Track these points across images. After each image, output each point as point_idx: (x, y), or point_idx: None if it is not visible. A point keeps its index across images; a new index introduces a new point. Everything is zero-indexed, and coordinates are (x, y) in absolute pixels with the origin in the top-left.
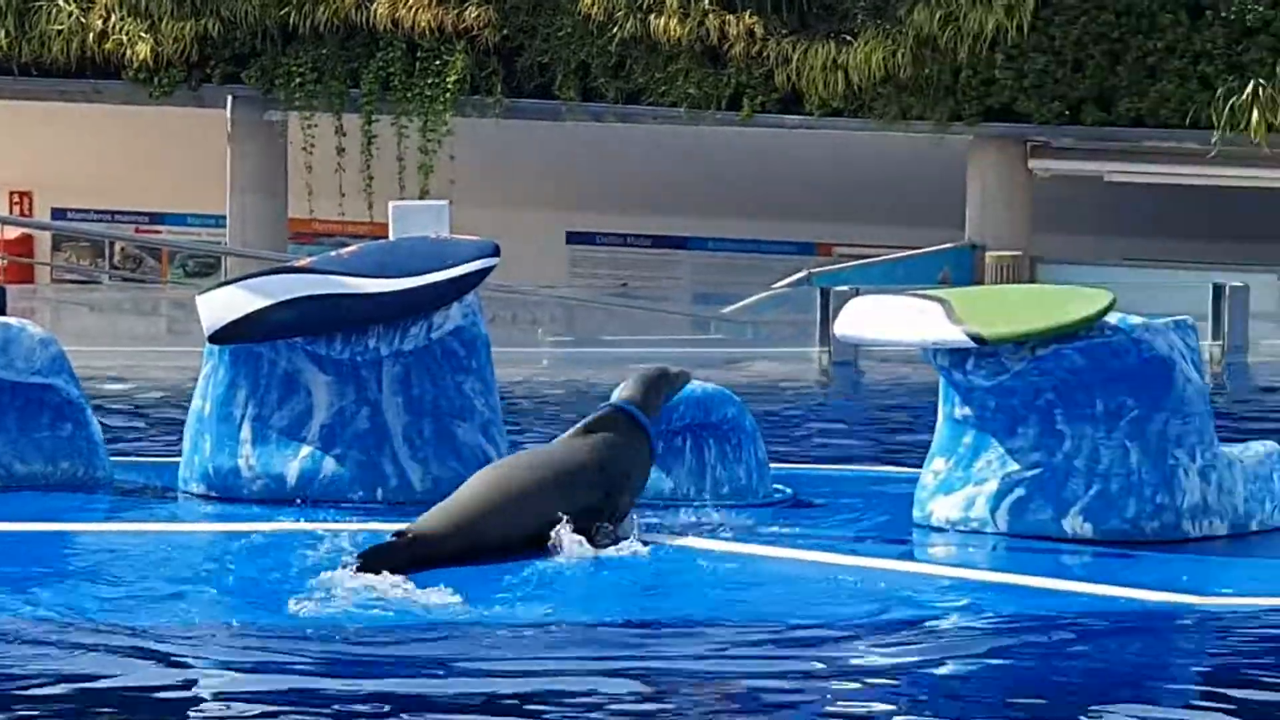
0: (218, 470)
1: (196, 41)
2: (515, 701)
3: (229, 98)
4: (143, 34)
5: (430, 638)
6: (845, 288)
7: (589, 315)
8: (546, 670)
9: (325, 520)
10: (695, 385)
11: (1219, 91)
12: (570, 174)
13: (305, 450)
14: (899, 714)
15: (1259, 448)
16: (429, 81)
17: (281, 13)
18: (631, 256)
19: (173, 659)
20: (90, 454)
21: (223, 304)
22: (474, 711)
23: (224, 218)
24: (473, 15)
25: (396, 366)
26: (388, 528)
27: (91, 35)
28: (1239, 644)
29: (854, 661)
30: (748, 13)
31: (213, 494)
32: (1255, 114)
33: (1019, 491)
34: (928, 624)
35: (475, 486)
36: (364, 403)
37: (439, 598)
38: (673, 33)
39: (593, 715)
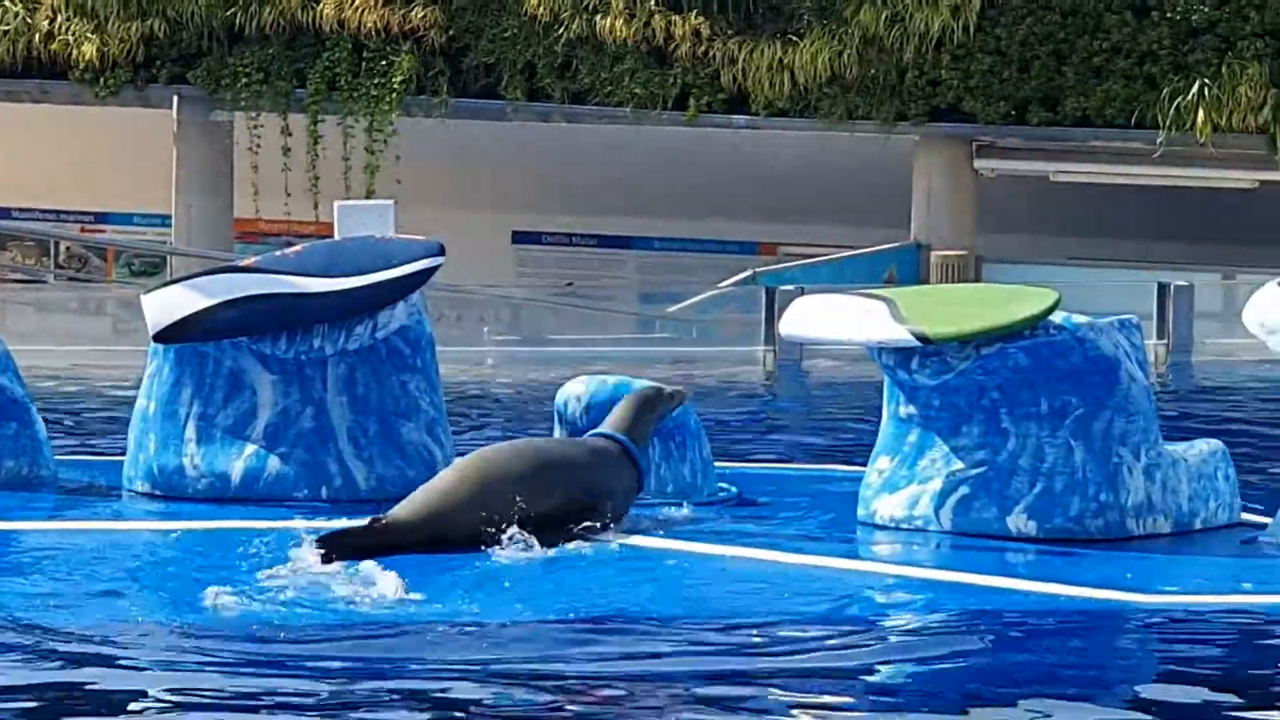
0: (162, 469)
1: (143, 42)
2: (457, 700)
3: (175, 98)
4: (89, 34)
5: (372, 635)
6: (790, 287)
7: (534, 315)
8: (488, 671)
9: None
10: (639, 384)
11: (1164, 91)
12: (516, 174)
13: (250, 449)
14: (841, 712)
15: (1203, 446)
16: (375, 82)
17: (227, 13)
18: (577, 256)
19: (111, 659)
20: (35, 453)
21: (168, 303)
22: (414, 711)
23: (170, 217)
24: (419, 16)
25: (341, 366)
26: (330, 525)
27: (38, 35)
28: (1183, 642)
29: (795, 660)
30: (694, 13)
31: (157, 493)
32: (1200, 114)
33: (963, 490)
34: (871, 622)
35: (448, 476)
36: (309, 402)
37: (384, 591)
38: (619, 33)
39: (534, 716)
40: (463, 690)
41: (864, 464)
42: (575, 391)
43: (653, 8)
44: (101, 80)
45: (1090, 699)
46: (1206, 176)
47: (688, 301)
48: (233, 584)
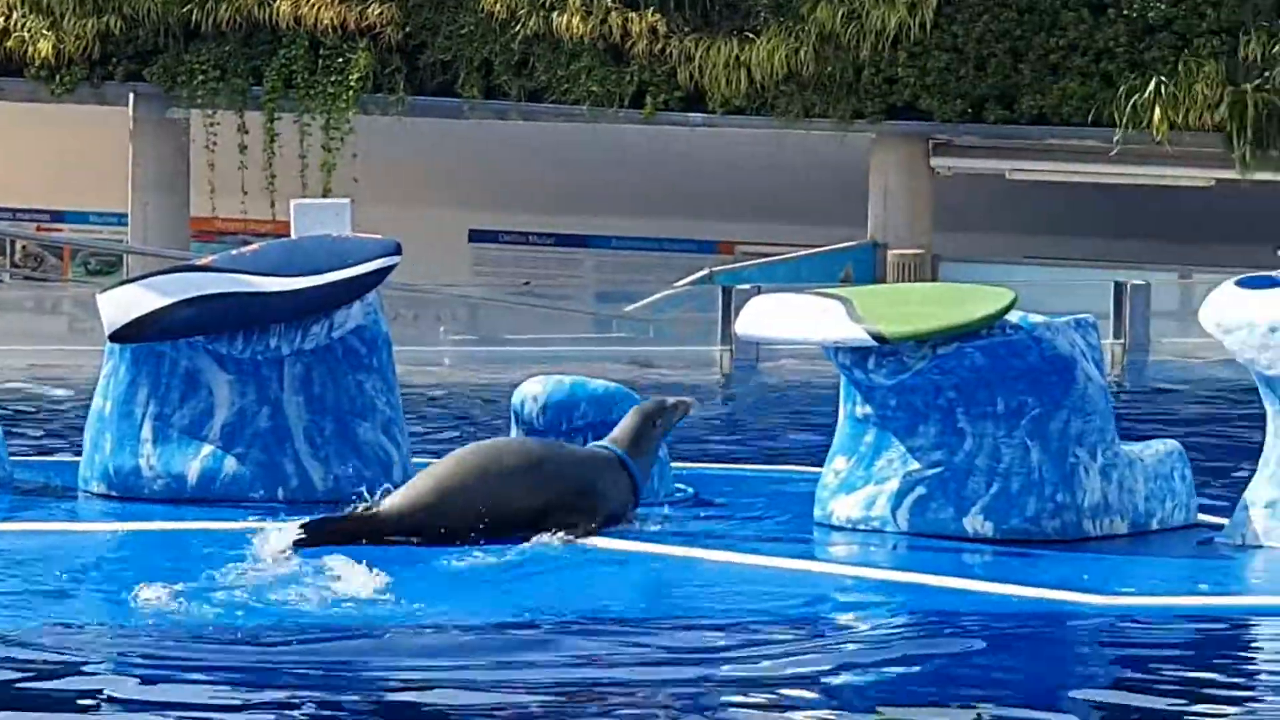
0: (118, 470)
1: (99, 39)
2: (414, 705)
3: (131, 95)
4: (45, 31)
5: (327, 638)
6: (747, 286)
7: (491, 314)
8: (444, 676)
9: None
10: (596, 384)
11: (1121, 89)
12: (473, 172)
13: (206, 449)
14: (795, 712)
15: (1160, 446)
16: (332, 79)
17: (184, 10)
18: (534, 255)
19: (57, 662)
20: None
21: (124, 302)
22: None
23: (126, 216)
24: (375, 13)
25: (297, 365)
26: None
27: None
28: (1139, 643)
29: (749, 662)
30: (650, 10)
31: (113, 493)
32: (1157, 112)
33: (920, 490)
34: (827, 624)
35: (440, 468)
36: (265, 401)
37: (352, 590)
38: (575, 30)
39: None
40: (419, 695)
41: (821, 465)
42: (532, 391)
43: (609, 5)
44: (57, 78)
45: (1045, 702)
46: (1163, 175)
47: (644, 301)
48: (185, 584)
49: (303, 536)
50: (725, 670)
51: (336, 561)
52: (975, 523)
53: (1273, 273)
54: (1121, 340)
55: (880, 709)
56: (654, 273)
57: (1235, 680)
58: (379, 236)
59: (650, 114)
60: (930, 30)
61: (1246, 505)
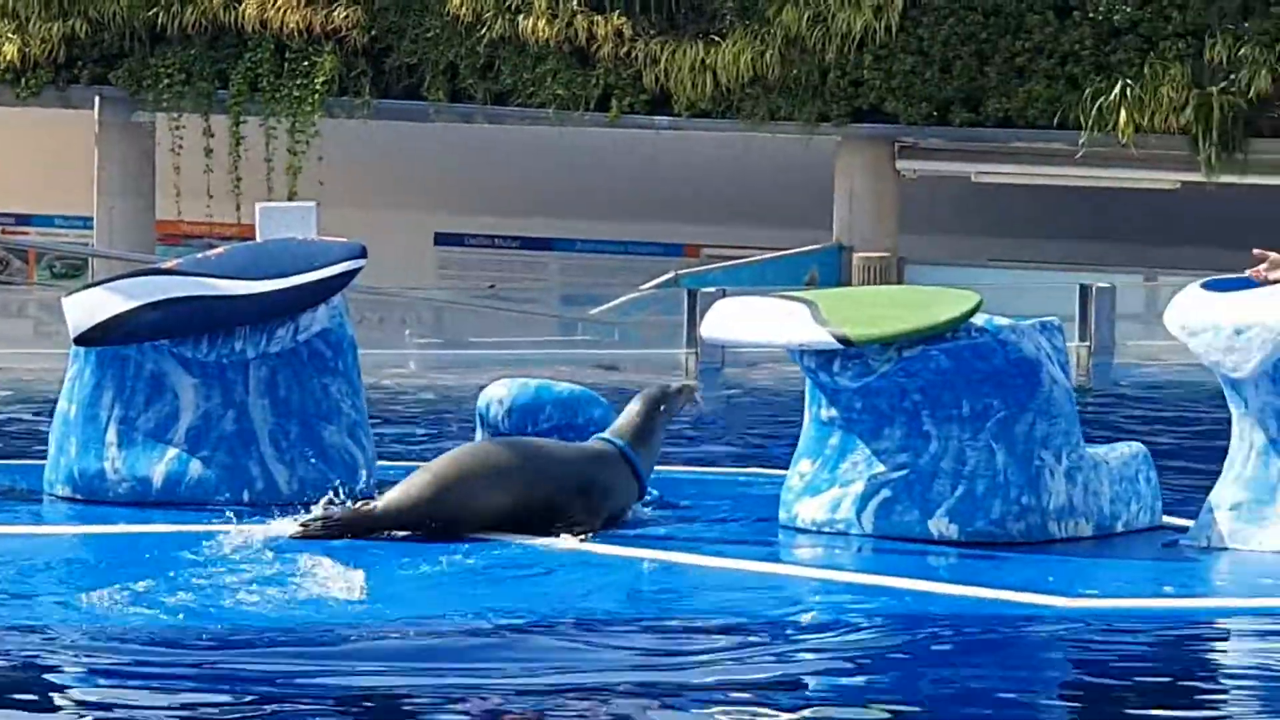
0: (83, 473)
1: (64, 42)
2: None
3: (97, 99)
4: (10, 35)
5: (289, 642)
6: (712, 289)
7: (457, 317)
8: (402, 682)
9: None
10: (561, 387)
11: (1087, 92)
12: (438, 175)
13: (171, 452)
14: (760, 715)
15: (1125, 449)
16: (297, 82)
17: (149, 13)
18: (499, 258)
19: (27, 663)
20: None
21: (89, 306)
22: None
23: (92, 219)
24: (341, 16)
25: (263, 369)
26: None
27: None
28: (1104, 645)
29: (715, 664)
30: (616, 13)
31: (78, 496)
32: (1123, 114)
33: (885, 493)
34: (791, 626)
35: (440, 463)
36: (230, 405)
37: (332, 591)
38: (541, 33)
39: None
40: (382, 699)
41: (785, 467)
42: (497, 394)
43: (574, 8)
44: (23, 81)
45: (1010, 704)
46: (1129, 178)
47: (610, 304)
48: (148, 587)
49: (301, 531)
50: (690, 674)
51: (309, 561)
52: (940, 525)
53: (1238, 275)
54: (1087, 343)
55: (846, 712)
56: (619, 276)
57: (1200, 682)
58: (344, 239)
59: (616, 117)
60: (896, 33)
61: (1211, 508)
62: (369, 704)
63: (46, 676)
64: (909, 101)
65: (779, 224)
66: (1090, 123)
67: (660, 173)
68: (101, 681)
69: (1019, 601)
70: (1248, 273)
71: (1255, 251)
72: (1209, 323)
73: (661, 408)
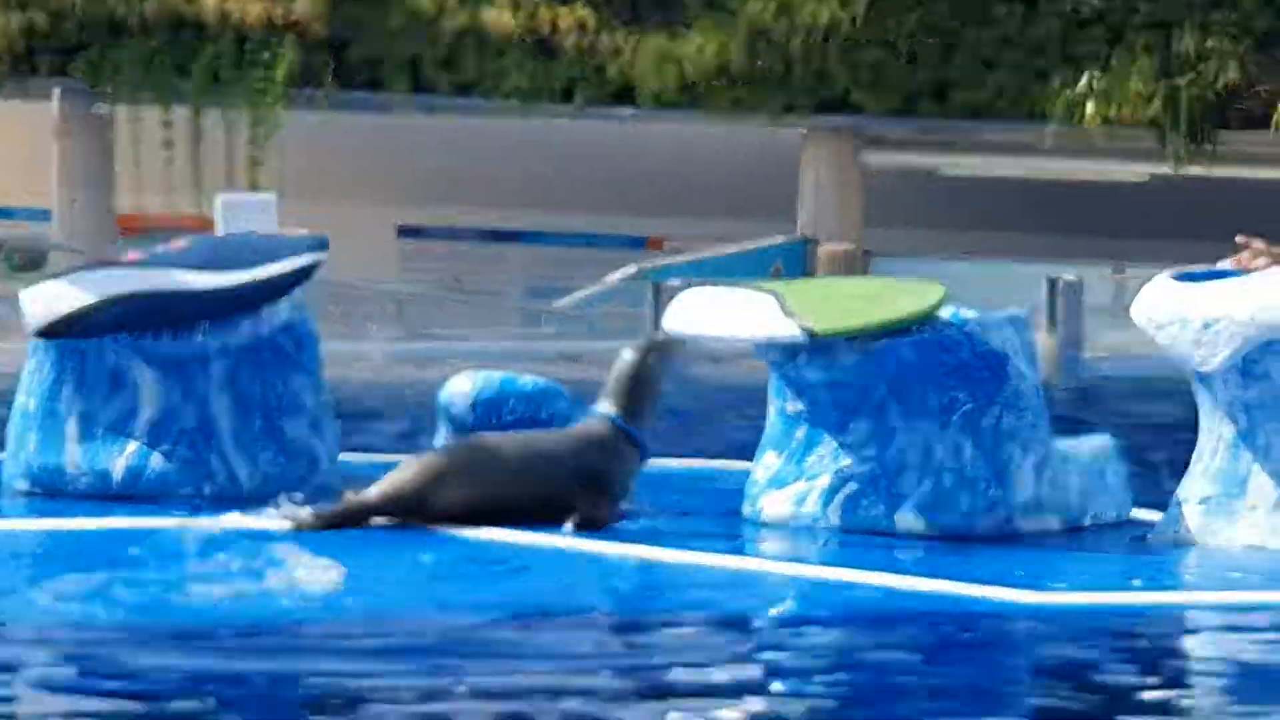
0: (43, 467)
1: (23, 34)
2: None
3: (56, 91)
4: None
5: (247, 636)
6: (676, 281)
7: (420, 310)
8: (369, 679)
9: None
10: (525, 379)
11: (1054, 84)
12: (401, 168)
13: (132, 446)
14: (725, 710)
15: (1093, 442)
16: (258, 75)
17: (109, 5)
18: (463, 250)
19: None
20: None
21: (49, 299)
22: None
23: (51, 212)
24: (302, 8)
25: (224, 362)
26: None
27: None
28: (1073, 639)
29: (678, 658)
30: (579, 4)
31: (37, 491)
32: (1090, 106)
33: (851, 486)
34: (755, 621)
35: (428, 455)
36: (191, 398)
37: (270, 587)
38: (504, 25)
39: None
40: (349, 696)
41: (750, 460)
42: (460, 388)
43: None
44: None
45: (978, 698)
46: (1096, 170)
47: (574, 296)
48: (109, 582)
49: (294, 525)
50: (653, 670)
51: (280, 555)
52: (907, 519)
53: (1207, 267)
54: (1054, 335)
55: (812, 707)
56: (583, 268)
57: (1168, 677)
58: (306, 232)
59: (579, 108)
60: (861, 25)
61: (1180, 502)
62: (335, 701)
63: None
64: (875, 93)
65: (744, 216)
66: (1058, 115)
67: (624, 165)
68: (57, 678)
69: (986, 596)
70: (1229, 260)
71: (1239, 238)
72: (1177, 315)
73: (649, 365)
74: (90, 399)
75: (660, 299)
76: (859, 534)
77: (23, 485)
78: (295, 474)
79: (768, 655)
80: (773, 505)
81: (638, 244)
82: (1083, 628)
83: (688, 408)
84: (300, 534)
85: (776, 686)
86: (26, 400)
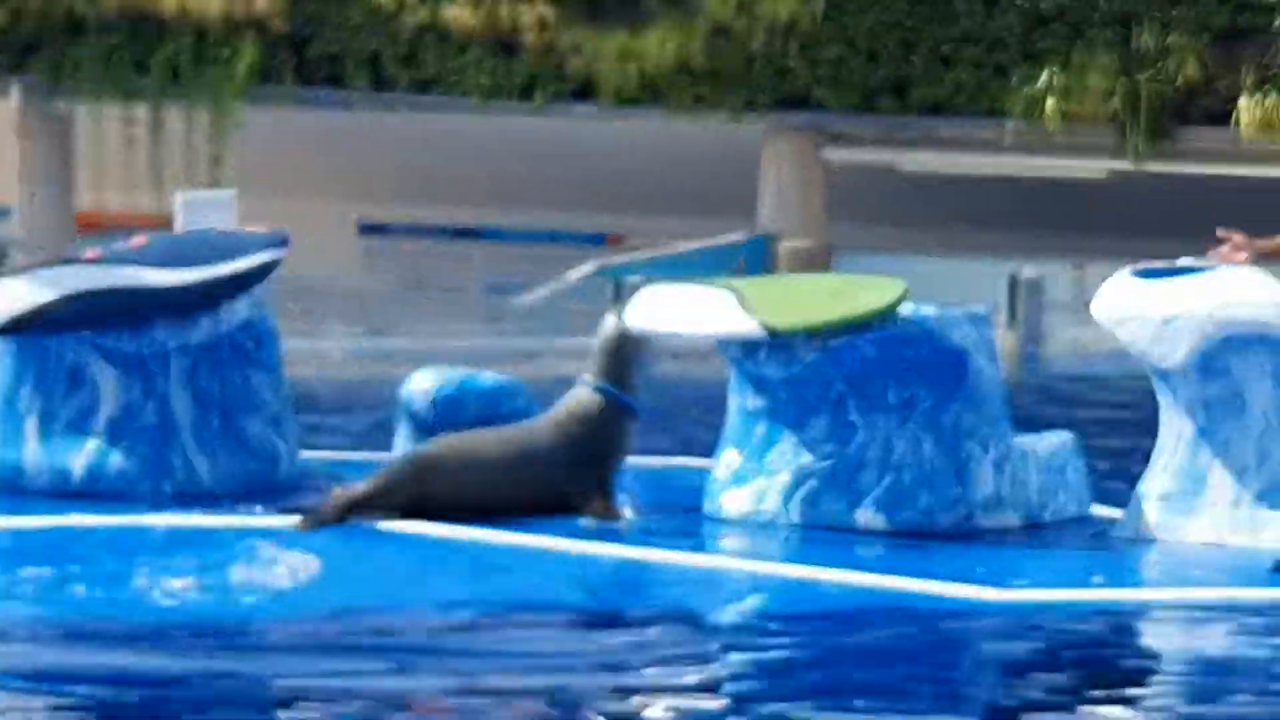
0: (2, 464)
1: None
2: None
3: (16, 88)
4: None
5: (194, 635)
6: (637, 278)
7: (381, 306)
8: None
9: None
10: (486, 376)
11: (1014, 80)
12: (361, 164)
13: (92, 444)
14: (686, 706)
15: (1053, 439)
16: (218, 71)
17: (69, 2)
18: (424, 247)
19: None
20: None
21: (8, 296)
22: None
23: (12, 208)
24: (262, 4)
25: (184, 359)
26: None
27: None
28: (1033, 635)
29: (640, 655)
30: (540, 1)
31: None
32: (1050, 102)
33: (811, 483)
34: (717, 616)
35: (419, 448)
36: (151, 396)
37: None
38: (464, 22)
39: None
40: (296, 700)
41: (711, 457)
42: (421, 385)
43: None
44: None
45: (938, 694)
46: (1056, 166)
47: (534, 293)
48: (65, 580)
49: (304, 523)
50: (612, 667)
51: (256, 552)
52: (867, 515)
53: (1167, 264)
54: (1015, 332)
55: (772, 704)
56: (544, 265)
57: (1128, 673)
58: (266, 229)
59: (540, 105)
60: (822, 21)
61: (1140, 498)
62: (307, 701)
63: None
64: (836, 90)
65: (705, 213)
66: (1018, 111)
67: (585, 161)
68: (10, 680)
69: (946, 592)
70: (1210, 253)
71: (1220, 232)
72: (1137, 312)
73: (629, 344)
74: (49, 396)
75: (621, 296)
76: (819, 531)
77: None
78: (255, 471)
79: (728, 653)
80: (734, 502)
81: (598, 241)
82: (1043, 624)
83: (648, 405)
84: (277, 532)
85: (736, 684)
86: None
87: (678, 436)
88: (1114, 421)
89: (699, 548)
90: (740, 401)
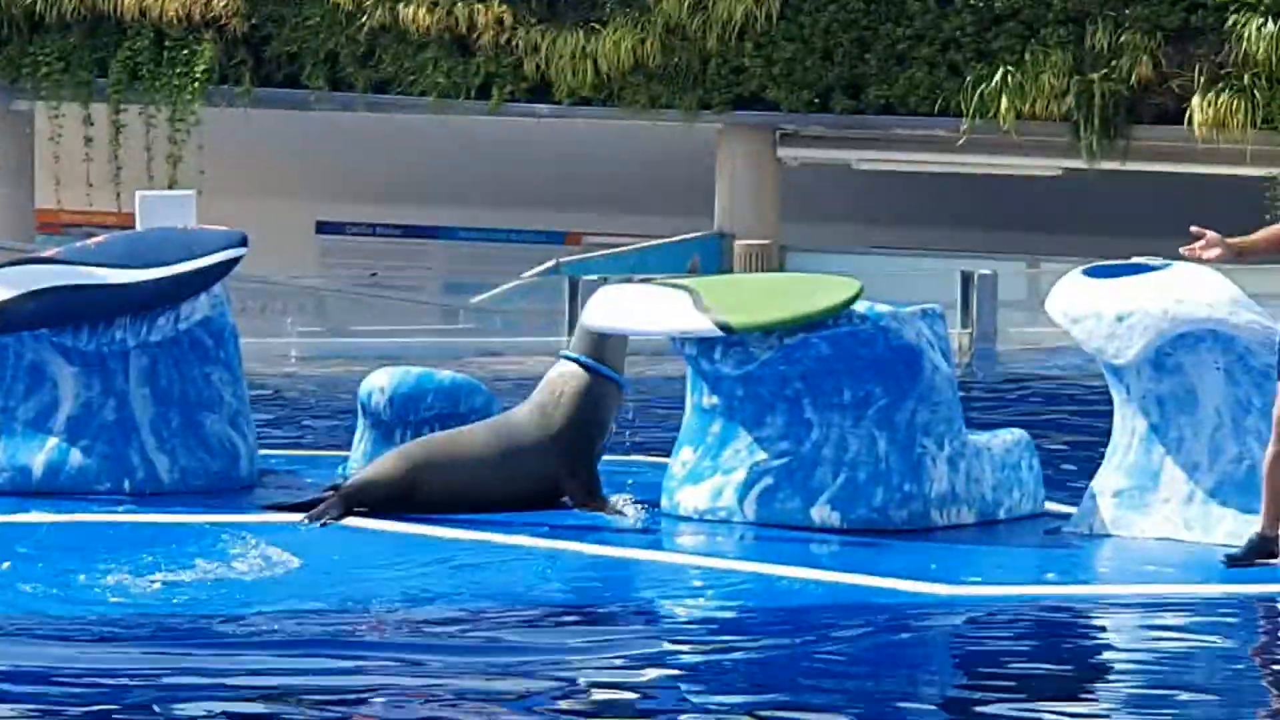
0: None
1: None
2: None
3: None
4: None
5: (155, 636)
6: (594, 277)
7: (339, 306)
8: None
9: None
10: (443, 375)
11: (968, 79)
12: (320, 164)
13: (52, 442)
14: (641, 702)
15: (1007, 436)
16: (177, 71)
17: (28, 1)
18: (382, 246)
19: None
20: None
21: None
22: None
23: None
24: (221, 4)
25: (144, 358)
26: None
27: None
28: (986, 632)
29: (596, 652)
30: (496, 1)
31: None
32: (1004, 101)
33: (767, 480)
34: (671, 615)
35: (409, 445)
36: (111, 394)
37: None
38: (421, 21)
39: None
40: (301, 691)
41: (668, 455)
42: (379, 383)
43: None
44: None
45: (891, 690)
46: (1010, 164)
47: (492, 292)
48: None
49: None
50: (569, 662)
51: (236, 548)
52: (822, 513)
53: (1120, 261)
54: (969, 330)
55: (726, 700)
56: (501, 264)
57: (1081, 669)
58: (225, 228)
59: (497, 105)
60: (777, 20)
61: (1094, 494)
62: (290, 700)
63: None
64: (790, 89)
65: (661, 212)
66: (972, 109)
67: (542, 161)
68: None
69: (901, 589)
70: (1183, 250)
71: (1193, 229)
72: (1091, 309)
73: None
74: (9, 394)
75: (578, 294)
76: (775, 528)
77: None
78: (215, 469)
79: (681, 649)
80: (689, 499)
81: (555, 239)
82: (997, 620)
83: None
84: (249, 527)
85: (691, 682)
86: None
87: (633, 433)
88: (1068, 418)
89: (655, 545)
90: (696, 399)
